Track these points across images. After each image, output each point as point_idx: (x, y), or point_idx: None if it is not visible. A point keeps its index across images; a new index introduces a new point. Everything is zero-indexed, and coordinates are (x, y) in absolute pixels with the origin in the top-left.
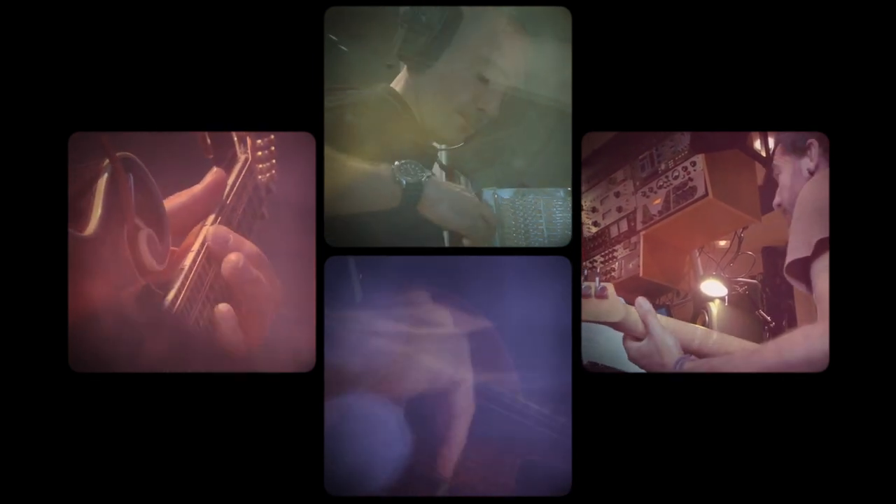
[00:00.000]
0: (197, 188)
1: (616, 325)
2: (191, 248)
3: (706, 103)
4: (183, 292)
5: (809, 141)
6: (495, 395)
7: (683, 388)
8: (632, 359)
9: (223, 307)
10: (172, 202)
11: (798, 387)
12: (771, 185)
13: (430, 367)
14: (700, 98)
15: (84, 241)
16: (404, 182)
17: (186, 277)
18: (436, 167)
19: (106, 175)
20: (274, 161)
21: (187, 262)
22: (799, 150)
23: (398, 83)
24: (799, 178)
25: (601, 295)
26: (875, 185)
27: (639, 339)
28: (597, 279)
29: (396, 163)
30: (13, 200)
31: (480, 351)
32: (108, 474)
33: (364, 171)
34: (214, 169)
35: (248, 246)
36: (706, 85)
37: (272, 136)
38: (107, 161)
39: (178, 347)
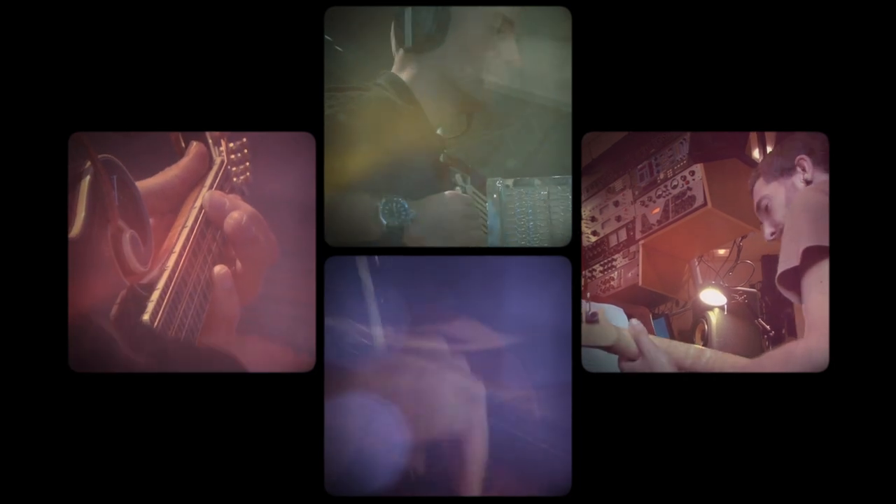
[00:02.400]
0: (184, 160)
1: (609, 349)
2: (184, 223)
3: (706, 103)
4: (178, 269)
5: (800, 158)
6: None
7: (683, 388)
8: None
9: (219, 269)
10: (162, 177)
11: (798, 387)
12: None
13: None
14: (700, 98)
15: (69, 244)
16: (385, 224)
17: (184, 248)
18: (442, 156)
19: (88, 177)
20: (248, 164)
21: (182, 236)
22: (787, 171)
23: (401, 71)
24: (795, 194)
25: (592, 320)
26: (875, 185)
27: (633, 360)
28: (587, 304)
29: (383, 199)
30: (13, 200)
31: (500, 367)
32: (107, 474)
33: (354, 203)
34: (194, 143)
35: (244, 206)
36: (706, 85)
37: (245, 140)
38: (88, 163)
39: (160, 356)
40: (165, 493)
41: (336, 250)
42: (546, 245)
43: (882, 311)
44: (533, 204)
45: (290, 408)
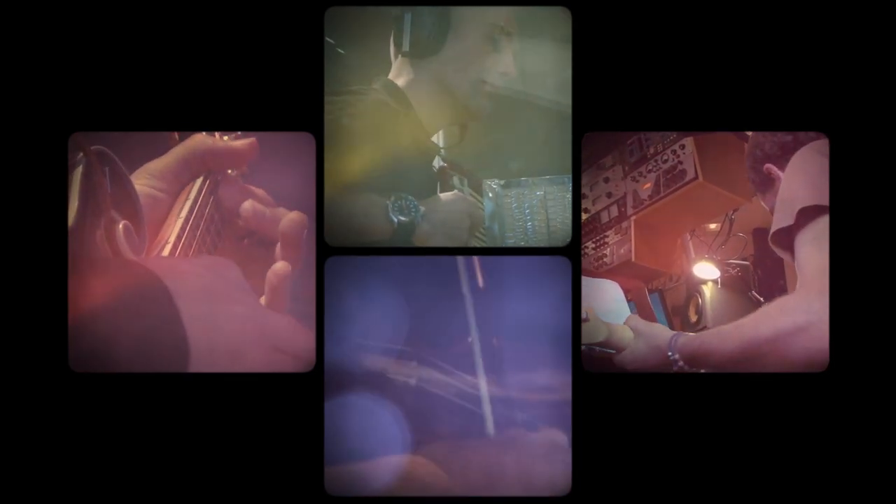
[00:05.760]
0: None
1: (601, 345)
2: (178, 213)
3: (706, 103)
4: (184, 237)
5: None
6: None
7: (683, 388)
8: (630, 364)
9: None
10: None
11: (798, 387)
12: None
13: None
14: (700, 98)
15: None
16: (396, 221)
17: (178, 239)
18: (437, 160)
19: (80, 168)
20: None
21: (176, 227)
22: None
23: (398, 77)
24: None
25: (583, 319)
26: (875, 185)
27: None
28: None
29: (392, 197)
30: (13, 200)
31: (501, 367)
32: (108, 474)
33: (358, 203)
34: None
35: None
36: (706, 85)
37: (239, 133)
38: (81, 154)
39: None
40: (165, 494)
41: (336, 250)
42: (544, 245)
43: (882, 311)
44: (530, 204)
45: (290, 408)
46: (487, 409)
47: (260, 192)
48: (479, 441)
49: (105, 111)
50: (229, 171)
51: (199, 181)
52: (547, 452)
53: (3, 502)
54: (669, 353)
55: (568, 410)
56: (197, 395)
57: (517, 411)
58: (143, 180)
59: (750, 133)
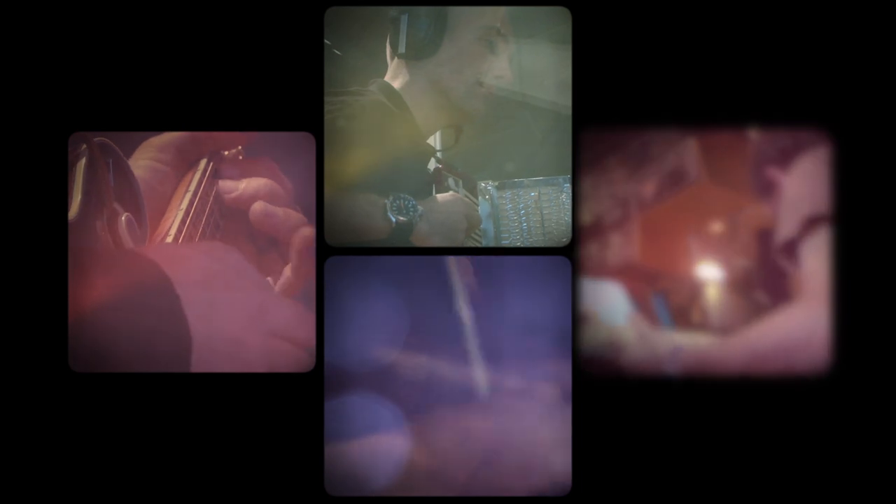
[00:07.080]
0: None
1: (602, 347)
2: (179, 206)
3: (707, 102)
4: (184, 229)
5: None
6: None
7: (684, 390)
8: (627, 368)
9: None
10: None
11: (800, 389)
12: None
13: None
14: (701, 97)
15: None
16: (394, 220)
17: (179, 231)
18: (432, 162)
19: (84, 159)
20: (241, 148)
21: (177, 220)
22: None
23: (394, 79)
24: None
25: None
26: (877, 184)
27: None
28: None
29: (391, 197)
30: (13, 200)
31: (501, 366)
32: (107, 474)
33: (357, 202)
34: None
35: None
36: (707, 84)
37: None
38: (84, 146)
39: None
40: (165, 493)
41: (336, 250)
42: (540, 246)
43: (886, 313)
44: (525, 205)
45: (290, 408)
46: (485, 391)
47: (263, 181)
48: (478, 414)
49: (105, 111)
50: (225, 153)
51: (198, 173)
52: (548, 408)
53: (4, 502)
54: (667, 367)
55: (568, 391)
56: (197, 395)
57: (515, 393)
58: (150, 154)
59: (752, 135)
